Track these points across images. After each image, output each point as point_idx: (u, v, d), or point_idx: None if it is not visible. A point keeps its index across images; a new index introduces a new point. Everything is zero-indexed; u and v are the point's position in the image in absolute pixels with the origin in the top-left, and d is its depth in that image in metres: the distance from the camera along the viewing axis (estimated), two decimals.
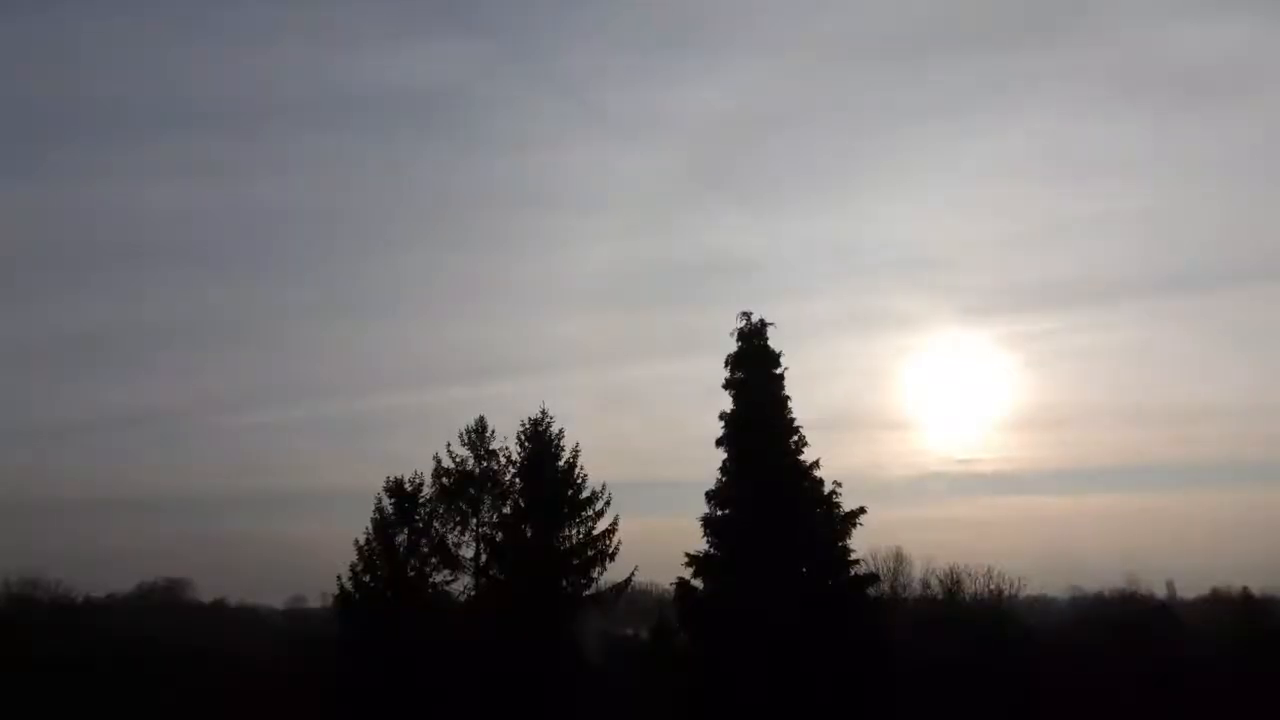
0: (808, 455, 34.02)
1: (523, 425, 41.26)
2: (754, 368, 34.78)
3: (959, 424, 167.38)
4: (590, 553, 39.33)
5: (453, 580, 40.08)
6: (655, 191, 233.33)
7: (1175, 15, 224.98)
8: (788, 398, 34.57)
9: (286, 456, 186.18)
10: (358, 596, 39.17)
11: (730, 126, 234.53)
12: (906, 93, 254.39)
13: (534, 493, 40.01)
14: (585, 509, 39.89)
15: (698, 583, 33.81)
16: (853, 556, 33.70)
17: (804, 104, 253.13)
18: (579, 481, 40.21)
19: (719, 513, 33.96)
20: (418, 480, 40.56)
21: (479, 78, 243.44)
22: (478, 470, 40.87)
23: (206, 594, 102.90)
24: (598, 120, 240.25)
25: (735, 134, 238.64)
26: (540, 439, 40.87)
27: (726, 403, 34.82)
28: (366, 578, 39.29)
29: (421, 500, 40.30)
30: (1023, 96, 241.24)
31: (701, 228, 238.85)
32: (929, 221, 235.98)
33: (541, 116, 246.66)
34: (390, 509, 40.06)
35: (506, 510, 40.38)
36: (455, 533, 40.29)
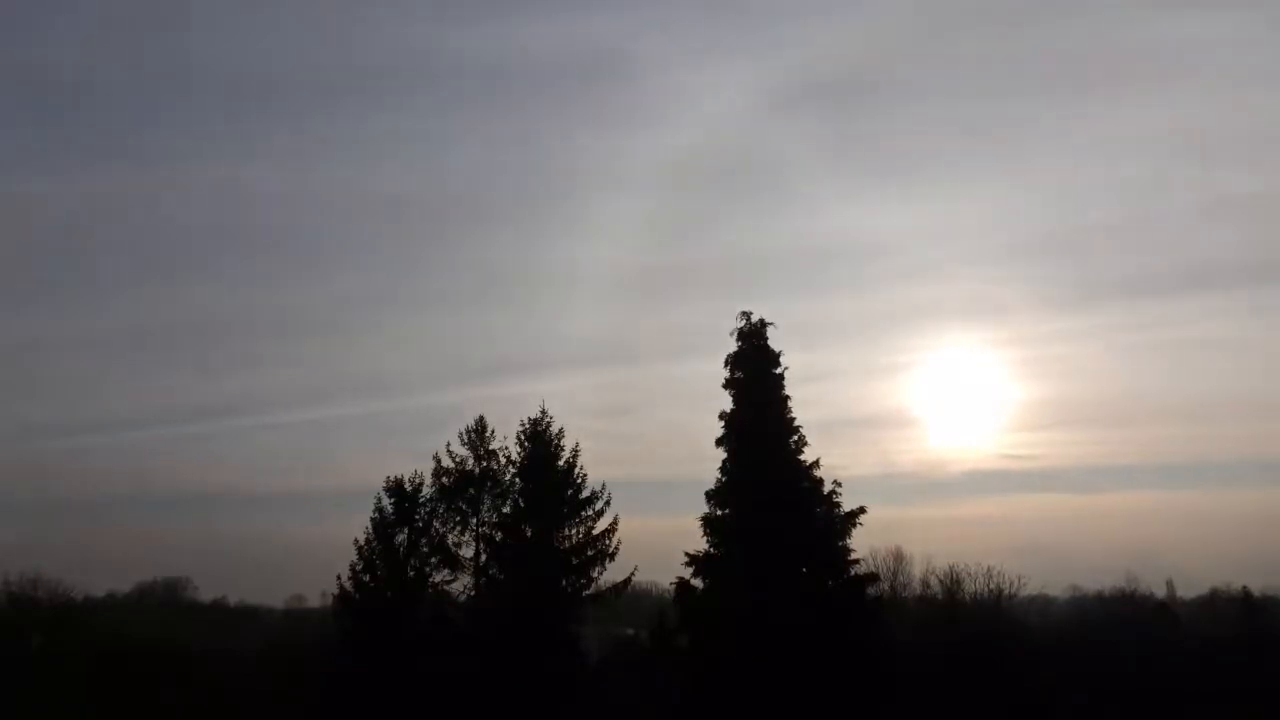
0: (808, 455, 34.11)
1: (522, 425, 41.25)
2: (754, 367, 34.81)
3: (977, 423, 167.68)
4: (590, 552, 39.28)
5: (453, 580, 40.06)
6: (671, 185, 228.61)
7: None
8: (787, 397, 34.64)
9: (287, 457, 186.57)
10: (358, 596, 39.13)
11: (781, 105, 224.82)
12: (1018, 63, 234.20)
13: (534, 492, 39.96)
14: (585, 509, 39.84)
15: (698, 583, 33.83)
16: (853, 556, 33.75)
17: (903, 74, 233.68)
18: (579, 481, 40.16)
19: (719, 513, 33.98)
20: (418, 480, 40.52)
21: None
22: (477, 470, 40.82)
23: (206, 594, 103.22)
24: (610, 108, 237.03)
25: (784, 113, 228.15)
26: (540, 439, 40.83)
27: (727, 402, 34.90)
28: (366, 578, 39.25)
29: (421, 500, 40.24)
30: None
31: (711, 224, 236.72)
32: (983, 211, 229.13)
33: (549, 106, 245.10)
34: (390, 509, 40.01)
35: (506, 510, 40.32)
36: (455, 532, 40.24)
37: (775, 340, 35.23)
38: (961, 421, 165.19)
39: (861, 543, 34.36)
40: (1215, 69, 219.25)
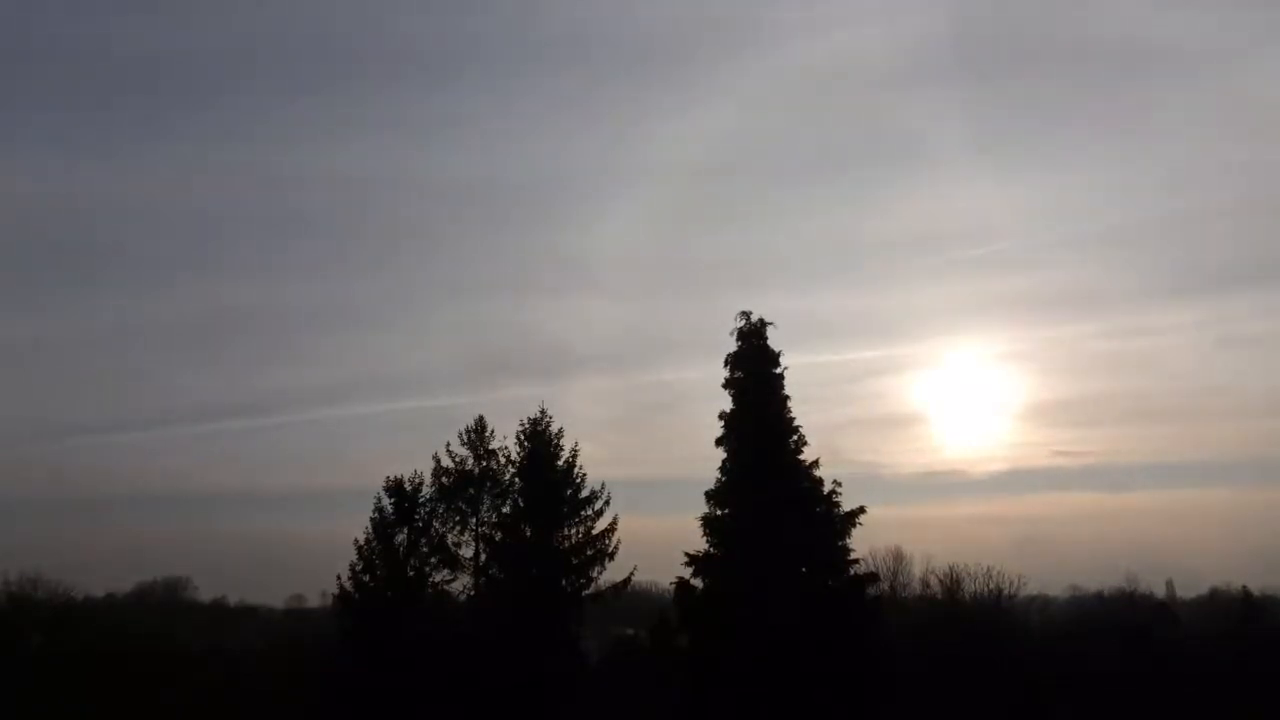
0: (807, 454, 34.08)
1: (522, 425, 41.27)
2: (753, 367, 34.79)
3: (977, 424, 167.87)
4: (590, 552, 39.29)
5: (453, 580, 40.07)
6: (682, 182, 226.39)
7: None
8: (787, 397, 34.61)
9: (287, 456, 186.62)
10: (358, 596, 39.11)
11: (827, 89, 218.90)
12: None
13: (533, 492, 39.95)
14: (585, 508, 39.85)
15: (698, 582, 33.81)
16: (852, 556, 33.73)
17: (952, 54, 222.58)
18: (578, 481, 40.17)
19: (719, 513, 33.95)
20: (417, 480, 40.50)
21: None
22: (477, 470, 40.82)
23: (206, 594, 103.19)
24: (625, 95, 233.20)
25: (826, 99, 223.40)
26: (539, 438, 40.83)
27: (727, 402, 34.87)
28: (366, 578, 39.23)
29: (421, 500, 40.23)
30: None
31: (718, 221, 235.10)
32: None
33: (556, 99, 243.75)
34: (390, 509, 40.00)
35: (506, 510, 40.32)
36: (455, 532, 40.25)
37: (776, 339, 35.29)
38: (962, 422, 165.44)
39: (861, 543, 34.41)
40: None
